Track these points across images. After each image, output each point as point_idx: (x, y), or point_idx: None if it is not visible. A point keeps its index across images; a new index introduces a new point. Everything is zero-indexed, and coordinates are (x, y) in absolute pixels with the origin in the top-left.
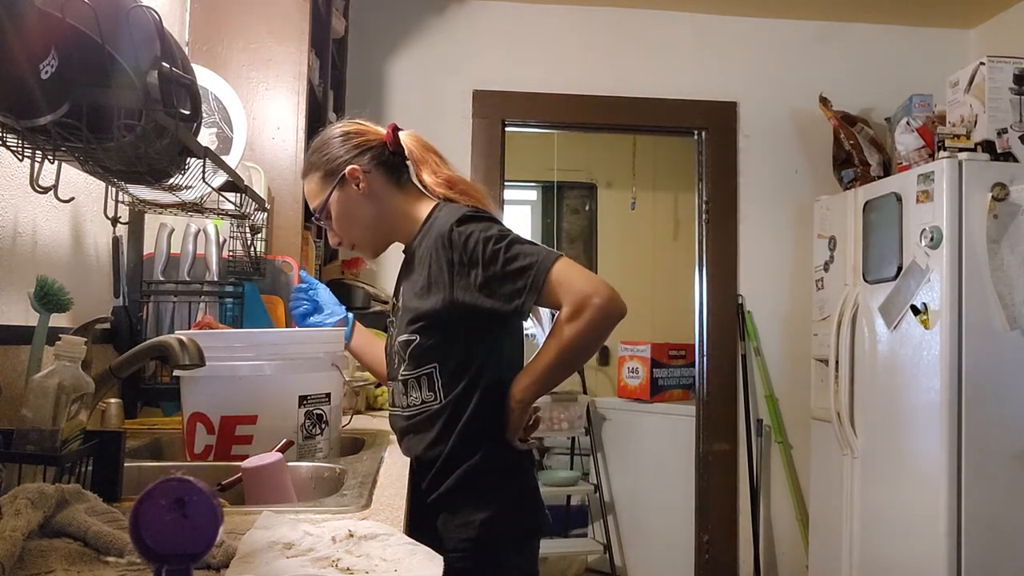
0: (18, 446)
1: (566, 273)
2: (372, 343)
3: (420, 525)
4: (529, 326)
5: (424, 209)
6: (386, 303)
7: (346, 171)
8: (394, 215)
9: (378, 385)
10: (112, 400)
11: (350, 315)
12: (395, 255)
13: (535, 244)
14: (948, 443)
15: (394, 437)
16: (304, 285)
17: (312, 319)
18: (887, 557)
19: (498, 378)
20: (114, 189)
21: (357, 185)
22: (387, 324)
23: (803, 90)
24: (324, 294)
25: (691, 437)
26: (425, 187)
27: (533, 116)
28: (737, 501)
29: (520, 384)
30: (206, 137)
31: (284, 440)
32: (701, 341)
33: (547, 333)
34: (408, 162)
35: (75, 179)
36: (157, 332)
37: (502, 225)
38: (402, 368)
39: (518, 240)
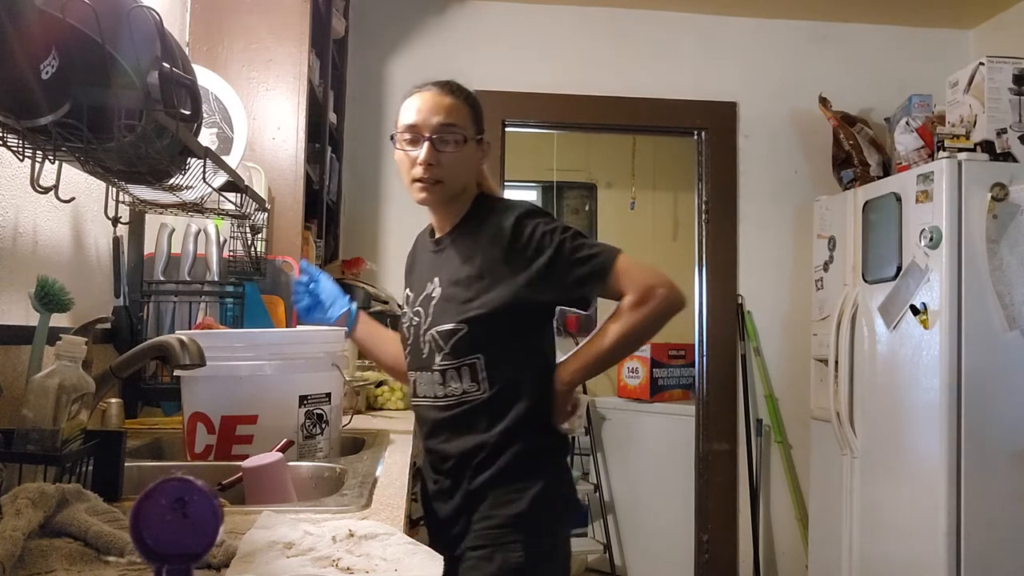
0: (19, 446)
1: (631, 264)
2: (378, 333)
3: (458, 512)
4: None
5: (468, 199)
6: (386, 303)
7: (486, 139)
8: (468, 192)
9: (378, 385)
10: (112, 400)
11: (353, 306)
12: (395, 253)
13: (595, 240)
14: (948, 443)
15: (396, 436)
16: (304, 278)
17: (315, 315)
18: (887, 557)
19: (541, 368)
20: (115, 189)
21: (482, 157)
22: (400, 312)
23: (803, 90)
24: (326, 285)
25: (691, 437)
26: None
27: (533, 116)
28: (737, 501)
29: (569, 367)
30: (206, 137)
31: (284, 440)
32: (701, 341)
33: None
34: None
35: (76, 179)
36: (158, 332)
37: (560, 221)
38: (438, 357)
39: (580, 233)
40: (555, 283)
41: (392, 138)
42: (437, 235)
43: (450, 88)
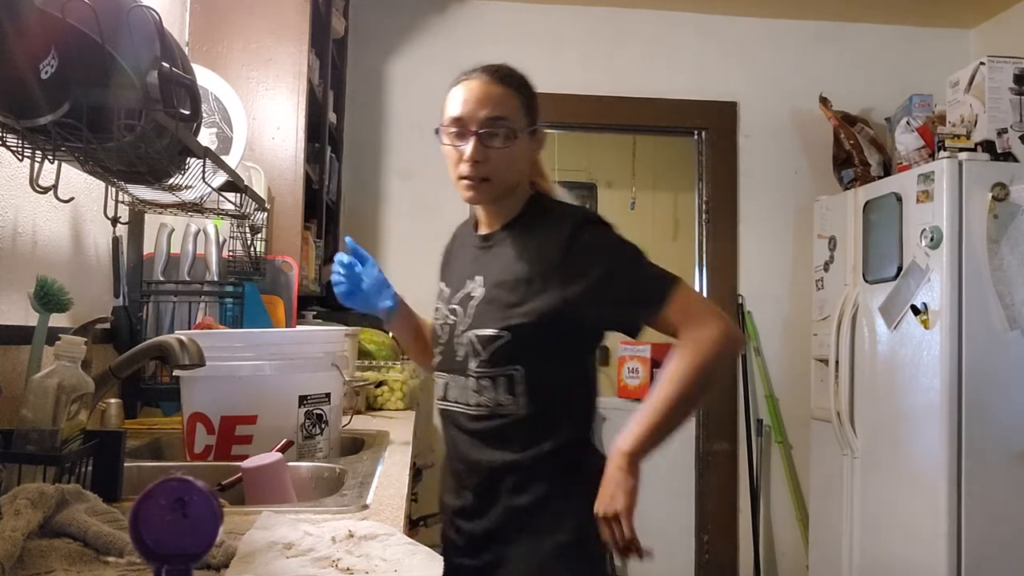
0: (18, 446)
1: (691, 296)
2: (419, 327)
3: (490, 534)
4: None
5: (521, 195)
6: None
7: (541, 129)
8: (521, 187)
9: (378, 385)
10: (112, 400)
11: (395, 302)
12: (395, 253)
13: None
14: (948, 443)
15: (396, 436)
16: (347, 261)
17: (354, 302)
18: (887, 557)
19: (584, 396)
20: (114, 189)
21: (536, 148)
22: (435, 308)
23: (803, 90)
24: (371, 273)
25: (691, 437)
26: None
27: None
28: (737, 501)
29: (631, 434)
30: (206, 137)
31: (284, 440)
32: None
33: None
34: None
35: (75, 179)
36: (157, 332)
37: (622, 234)
38: (474, 363)
39: (642, 252)
40: (606, 299)
41: (437, 131)
42: (484, 231)
43: (499, 75)
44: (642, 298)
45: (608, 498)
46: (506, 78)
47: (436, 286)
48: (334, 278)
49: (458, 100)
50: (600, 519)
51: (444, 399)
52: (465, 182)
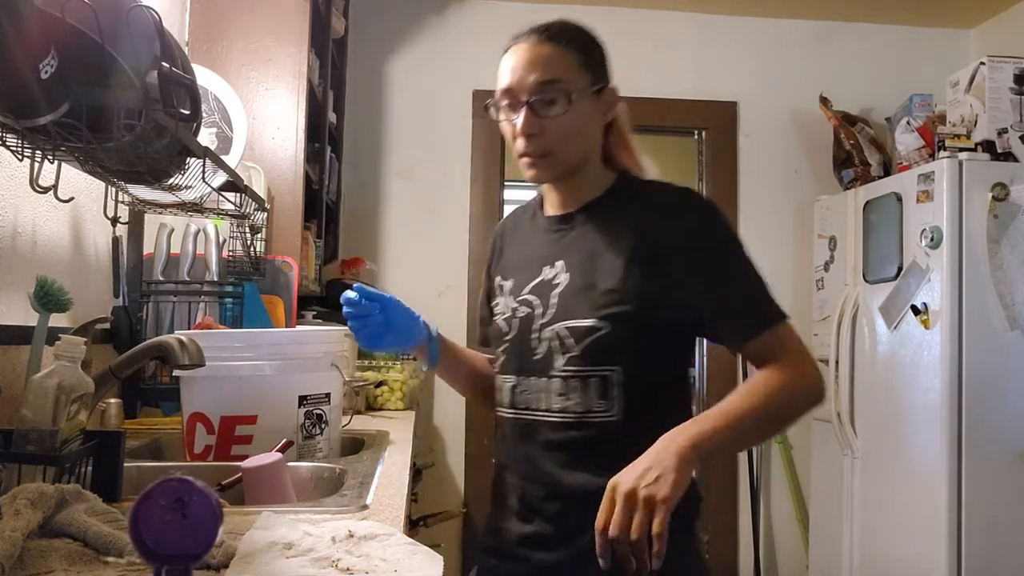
0: (18, 446)
1: (794, 335)
2: (461, 357)
3: (575, 565)
4: None
5: (598, 167)
6: None
7: (611, 86)
8: (594, 158)
9: (378, 385)
10: (112, 400)
11: (435, 335)
12: (395, 253)
13: None
14: (948, 443)
15: (396, 436)
16: (354, 297)
17: (378, 347)
18: (887, 557)
19: (686, 404)
20: (114, 189)
21: (606, 110)
22: (492, 304)
23: (803, 90)
24: (395, 313)
25: None
26: (612, 156)
27: None
28: (737, 501)
29: (698, 430)
30: (206, 137)
31: (284, 440)
32: (701, 341)
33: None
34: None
35: (75, 179)
36: (157, 332)
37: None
38: (561, 360)
39: (759, 268)
40: (714, 301)
41: (486, 107)
42: (558, 212)
43: (549, 34)
44: (752, 315)
45: (651, 479)
46: (556, 35)
47: (440, 285)
48: (351, 325)
49: (507, 69)
50: (618, 495)
51: (512, 405)
52: (525, 159)
